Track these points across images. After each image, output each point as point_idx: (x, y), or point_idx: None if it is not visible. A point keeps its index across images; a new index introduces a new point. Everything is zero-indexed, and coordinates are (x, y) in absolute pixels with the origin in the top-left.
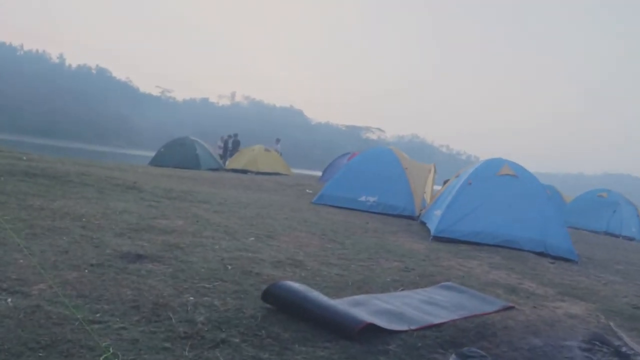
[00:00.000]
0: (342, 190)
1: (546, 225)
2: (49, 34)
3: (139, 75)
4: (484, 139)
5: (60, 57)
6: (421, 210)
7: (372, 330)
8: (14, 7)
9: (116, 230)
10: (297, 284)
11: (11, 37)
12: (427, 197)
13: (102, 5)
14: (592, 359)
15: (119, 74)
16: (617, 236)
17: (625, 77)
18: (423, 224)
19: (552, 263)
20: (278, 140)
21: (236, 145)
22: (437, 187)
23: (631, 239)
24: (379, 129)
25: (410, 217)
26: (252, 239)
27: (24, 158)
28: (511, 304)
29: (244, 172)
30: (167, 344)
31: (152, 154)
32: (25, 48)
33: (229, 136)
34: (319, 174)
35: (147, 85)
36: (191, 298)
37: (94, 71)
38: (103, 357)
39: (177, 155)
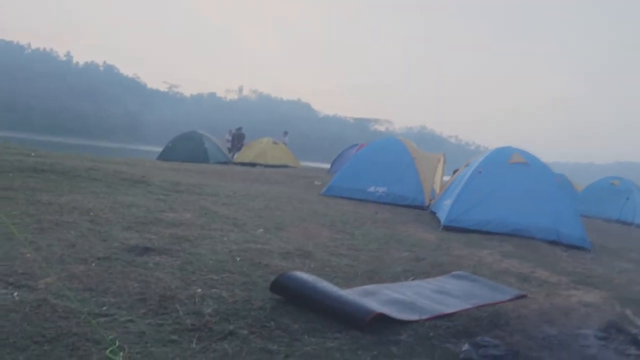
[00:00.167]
0: (351, 181)
1: (558, 213)
2: (56, 33)
3: (146, 72)
4: (493, 130)
5: (68, 55)
6: (431, 200)
7: (382, 321)
8: (21, 7)
9: (124, 223)
10: (306, 274)
11: (19, 36)
12: (437, 187)
13: (109, 3)
14: (609, 347)
15: (126, 70)
16: (629, 224)
17: (637, 63)
18: (433, 213)
19: (565, 251)
20: (286, 133)
21: (241, 138)
22: (447, 178)
23: None
24: (387, 121)
25: (420, 207)
26: (261, 230)
27: (33, 154)
28: (524, 293)
29: (253, 165)
30: (174, 337)
31: (161, 149)
32: (33, 47)
33: (237, 129)
34: (328, 166)
35: (154, 81)
36: (199, 290)
37: (101, 68)
38: (109, 350)
39: (185, 149)
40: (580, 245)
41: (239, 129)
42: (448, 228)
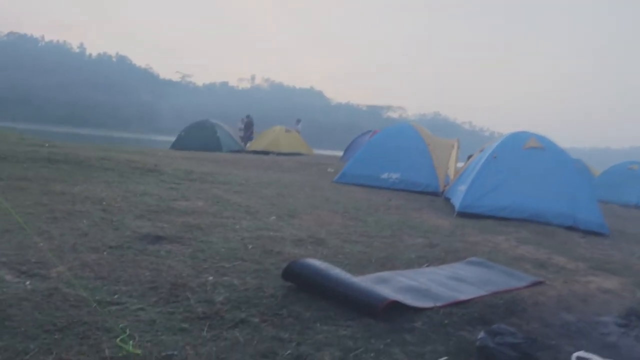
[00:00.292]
0: (364, 168)
1: (576, 199)
2: (69, 25)
3: (158, 62)
4: (507, 115)
5: (81, 46)
6: (445, 186)
7: (396, 308)
8: (35, 0)
9: (136, 212)
10: (318, 261)
11: (32, 29)
12: (451, 172)
13: None
14: (629, 334)
15: (139, 61)
16: None
17: None
18: (447, 200)
19: (583, 237)
20: (298, 121)
21: (250, 125)
22: (461, 164)
23: None
24: (401, 108)
25: (434, 194)
26: (273, 218)
27: (46, 145)
28: (541, 279)
29: (266, 153)
30: (185, 325)
31: (174, 138)
32: (47, 39)
33: (246, 117)
34: (340, 154)
35: (167, 71)
36: (210, 278)
37: (114, 59)
38: (119, 338)
39: (198, 138)
40: (598, 230)
41: (248, 117)
42: (462, 214)
